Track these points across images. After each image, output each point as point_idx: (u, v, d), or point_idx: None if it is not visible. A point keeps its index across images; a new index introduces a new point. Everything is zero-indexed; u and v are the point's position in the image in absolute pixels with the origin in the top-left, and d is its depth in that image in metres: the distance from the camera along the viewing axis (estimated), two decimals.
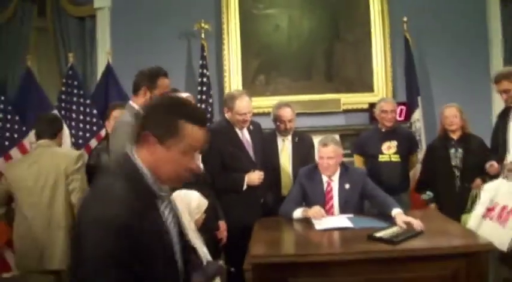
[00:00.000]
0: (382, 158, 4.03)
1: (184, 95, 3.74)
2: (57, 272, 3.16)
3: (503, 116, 3.35)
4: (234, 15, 5.12)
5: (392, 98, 4.85)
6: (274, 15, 5.20)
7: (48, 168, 3.14)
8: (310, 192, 3.31)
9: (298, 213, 3.18)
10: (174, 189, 2.40)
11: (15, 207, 3.24)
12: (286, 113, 3.79)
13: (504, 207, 2.94)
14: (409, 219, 2.84)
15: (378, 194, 3.22)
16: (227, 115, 3.49)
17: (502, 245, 2.88)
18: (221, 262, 2.45)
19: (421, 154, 4.85)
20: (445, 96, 5.08)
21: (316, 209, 3.10)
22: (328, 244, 2.78)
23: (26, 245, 3.11)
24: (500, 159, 3.22)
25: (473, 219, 3.12)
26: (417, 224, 2.78)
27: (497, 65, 5.35)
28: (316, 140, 4.03)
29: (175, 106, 1.44)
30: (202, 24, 5.00)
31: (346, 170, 3.33)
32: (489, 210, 3.03)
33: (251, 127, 3.59)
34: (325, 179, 3.31)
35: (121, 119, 2.64)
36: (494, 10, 5.37)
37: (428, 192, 4.09)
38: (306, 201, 3.32)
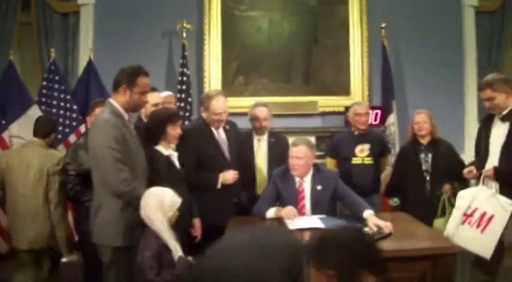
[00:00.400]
0: (355, 161, 4.06)
1: (164, 94, 3.83)
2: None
3: (485, 123, 3.36)
4: (216, 16, 5.17)
5: (367, 102, 4.96)
6: (255, 17, 5.26)
7: (34, 165, 3.40)
8: (283, 192, 3.33)
9: (271, 213, 3.20)
10: (148, 186, 2.52)
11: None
12: (262, 111, 3.85)
13: (484, 214, 2.98)
14: (380, 222, 2.88)
15: (350, 195, 3.26)
16: (203, 114, 3.52)
17: (484, 252, 2.94)
18: (190, 258, 2.43)
19: (394, 158, 4.93)
20: (419, 101, 5.23)
21: (289, 209, 3.13)
22: None
23: (15, 228, 3.43)
24: (481, 165, 3.26)
25: (450, 225, 3.16)
26: (387, 226, 2.83)
27: (471, 72, 5.53)
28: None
29: (362, 254, 1.49)
30: (185, 24, 5.05)
31: (318, 172, 3.35)
32: (467, 215, 3.06)
33: (227, 127, 3.63)
34: (297, 179, 3.32)
35: (99, 116, 2.65)
36: (469, 19, 5.50)
37: (395, 199, 4.16)
38: (280, 201, 3.34)
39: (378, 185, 4.30)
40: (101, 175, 2.53)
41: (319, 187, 3.30)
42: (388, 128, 5.16)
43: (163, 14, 5.19)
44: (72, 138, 4.63)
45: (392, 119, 5.15)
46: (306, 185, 3.33)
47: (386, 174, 4.60)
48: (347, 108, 4.77)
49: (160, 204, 2.38)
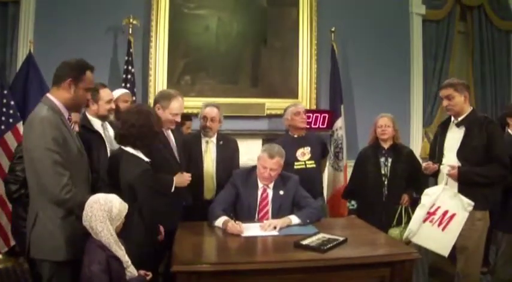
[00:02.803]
0: (297, 165, 3.98)
1: (120, 91, 3.75)
2: None
3: (441, 128, 3.44)
4: (163, 12, 5.06)
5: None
6: (204, 16, 5.19)
7: None
8: (244, 195, 3.27)
9: (219, 222, 3.05)
10: (92, 193, 2.32)
11: None
12: (211, 112, 3.80)
13: (446, 212, 3.04)
14: (271, 221, 2.99)
15: (301, 203, 3.26)
16: (156, 112, 3.29)
17: (442, 249, 3.00)
18: (142, 272, 2.32)
19: (343, 162, 5.08)
20: (366, 105, 5.40)
21: (235, 226, 2.96)
22: (254, 251, 2.72)
23: None
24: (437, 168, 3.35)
25: (413, 222, 3.16)
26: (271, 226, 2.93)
27: (417, 79, 5.68)
28: (241, 143, 4.13)
29: None
30: (131, 20, 4.91)
31: (281, 177, 3.32)
32: (430, 213, 3.11)
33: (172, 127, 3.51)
34: (260, 185, 3.28)
35: (35, 113, 2.37)
36: (416, 27, 5.63)
37: (352, 202, 4.16)
38: (238, 203, 3.28)
39: (321, 188, 4.31)
40: (37, 180, 2.29)
41: (281, 192, 3.28)
42: (336, 132, 5.21)
43: (109, 7, 5.03)
44: (8, 136, 4.46)
45: (340, 123, 5.20)
46: (269, 190, 3.29)
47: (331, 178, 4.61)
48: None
49: (107, 213, 2.19)
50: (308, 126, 4.36)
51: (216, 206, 3.20)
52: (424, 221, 3.12)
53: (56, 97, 2.40)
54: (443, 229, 3.03)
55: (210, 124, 3.80)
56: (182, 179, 3.30)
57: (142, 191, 2.52)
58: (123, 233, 2.31)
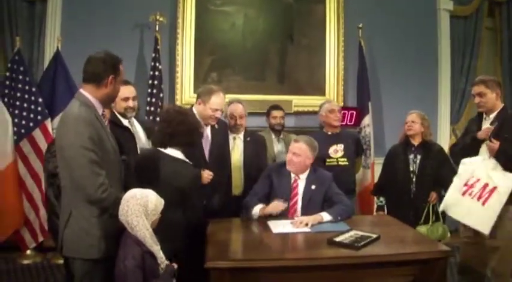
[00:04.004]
0: (329, 162, 4.00)
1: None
2: None
3: (475, 121, 3.46)
4: (190, 9, 5.05)
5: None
6: (230, 13, 5.16)
7: None
8: (277, 185, 3.29)
9: (256, 210, 3.14)
10: (126, 189, 2.31)
11: None
12: (238, 108, 3.80)
13: (486, 185, 2.92)
14: (303, 218, 2.99)
15: (333, 199, 3.24)
16: (197, 107, 3.38)
17: (483, 225, 2.88)
18: (175, 265, 2.32)
19: (370, 159, 5.05)
20: (394, 103, 5.35)
21: (274, 204, 3.10)
22: (287, 248, 2.71)
23: None
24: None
25: (449, 194, 3.11)
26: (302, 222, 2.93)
27: (445, 75, 5.61)
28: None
29: None
30: (158, 17, 4.90)
31: (314, 172, 3.33)
32: (468, 186, 3.01)
33: (216, 126, 3.52)
34: (293, 175, 3.30)
35: (69, 110, 2.31)
36: (444, 23, 5.56)
37: (381, 199, 4.14)
38: (272, 194, 3.28)
39: (354, 187, 4.30)
40: (72, 179, 2.24)
41: (313, 186, 3.27)
42: (364, 129, 5.17)
43: (135, 4, 5.02)
44: (36, 133, 4.49)
45: (367, 120, 5.16)
46: (300, 182, 3.30)
47: (362, 175, 4.67)
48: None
49: (143, 208, 2.18)
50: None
51: (250, 199, 3.25)
52: (463, 194, 3.01)
53: (90, 93, 2.34)
54: (483, 203, 2.90)
55: (240, 121, 3.80)
56: (203, 176, 3.23)
57: (195, 195, 2.60)
58: (162, 233, 2.30)
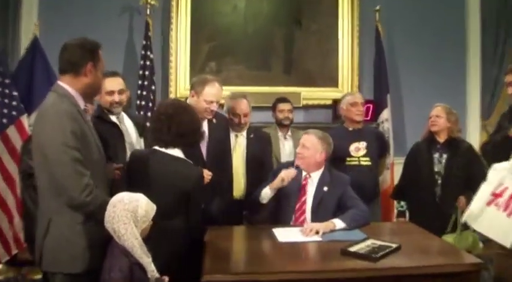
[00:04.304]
0: (350, 161, 3.80)
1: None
2: None
3: (506, 117, 3.37)
4: None
5: None
6: None
7: None
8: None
9: (266, 191, 3.10)
10: (112, 194, 2.19)
11: None
12: (242, 105, 3.57)
13: None
14: (313, 225, 2.84)
15: (349, 205, 3.09)
16: (191, 100, 3.24)
17: (505, 238, 2.66)
18: (166, 278, 2.14)
19: (389, 159, 4.79)
20: (415, 94, 5.21)
21: (288, 171, 3.06)
22: (295, 259, 2.57)
23: None
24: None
25: (475, 204, 2.85)
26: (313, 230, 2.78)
27: (473, 64, 5.35)
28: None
29: None
30: None
31: (329, 173, 3.21)
32: (496, 195, 2.75)
33: (214, 121, 3.37)
34: (304, 173, 3.20)
35: (48, 103, 2.21)
36: (473, 4, 5.25)
37: (402, 203, 4.01)
38: (281, 192, 3.15)
39: (377, 190, 4.11)
40: (52, 180, 2.13)
41: (325, 188, 3.15)
42: (382, 125, 4.91)
43: None
44: (11, 131, 4.20)
45: (386, 114, 4.90)
46: (311, 181, 3.18)
47: (384, 177, 4.47)
48: (335, 102, 4.65)
49: (132, 214, 2.05)
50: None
51: (257, 190, 3.21)
52: (489, 204, 2.76)
53: (69, 85, 2.25)
54: (509, 215, 2.66)
55: (245, 120, 3.58)
56: None
57: (199, 196, 2.55)
58: (157, 242, 2.22)
